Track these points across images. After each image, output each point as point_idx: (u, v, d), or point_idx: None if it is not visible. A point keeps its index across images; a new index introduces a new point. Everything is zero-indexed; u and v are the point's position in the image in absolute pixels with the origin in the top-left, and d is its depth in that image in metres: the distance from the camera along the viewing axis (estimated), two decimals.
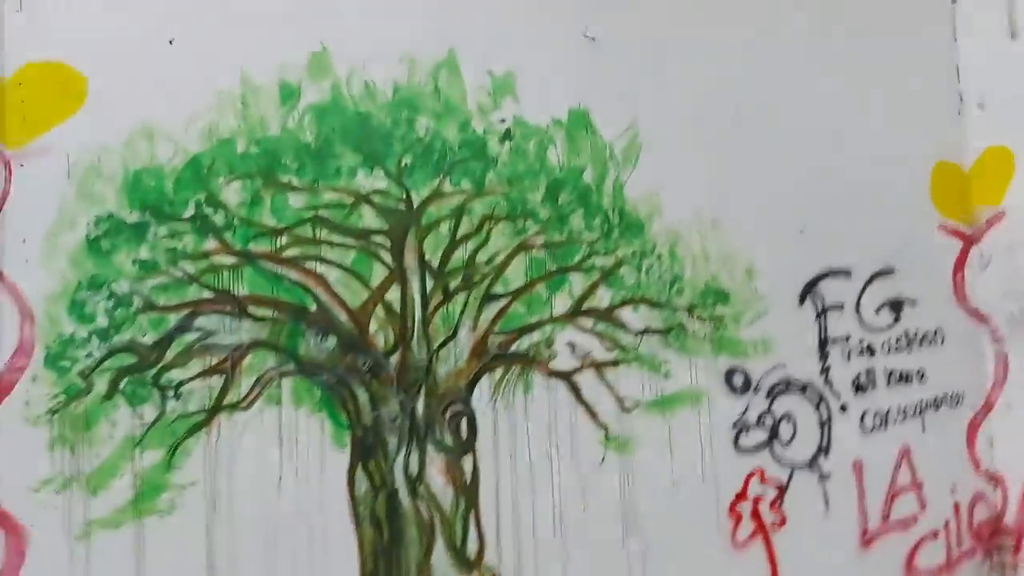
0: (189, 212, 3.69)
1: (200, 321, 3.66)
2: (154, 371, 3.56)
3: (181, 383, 3.60)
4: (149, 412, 3.54)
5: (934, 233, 5.39)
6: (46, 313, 3.40)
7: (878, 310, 5.15)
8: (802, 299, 4.97)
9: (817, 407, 4.91)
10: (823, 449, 4.89)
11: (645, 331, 4.55)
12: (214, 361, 3.67)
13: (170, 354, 3.60)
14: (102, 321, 3.50)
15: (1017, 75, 5.19)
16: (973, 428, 5.31)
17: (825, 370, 4.96)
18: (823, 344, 4.97)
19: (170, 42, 3.72)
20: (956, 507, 5.19)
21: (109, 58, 3.60)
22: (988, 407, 5.34)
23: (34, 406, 3.36)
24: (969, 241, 5.43)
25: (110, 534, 3.41)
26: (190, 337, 3.64)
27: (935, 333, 5.30)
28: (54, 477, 3.36)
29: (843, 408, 4.97)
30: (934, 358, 5.25)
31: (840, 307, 5.05)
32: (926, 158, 5.44)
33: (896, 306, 5.19)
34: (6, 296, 3.35)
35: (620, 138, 4.60)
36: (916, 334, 5.24)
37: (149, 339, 3.57)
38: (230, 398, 3.68)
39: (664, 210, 4.65)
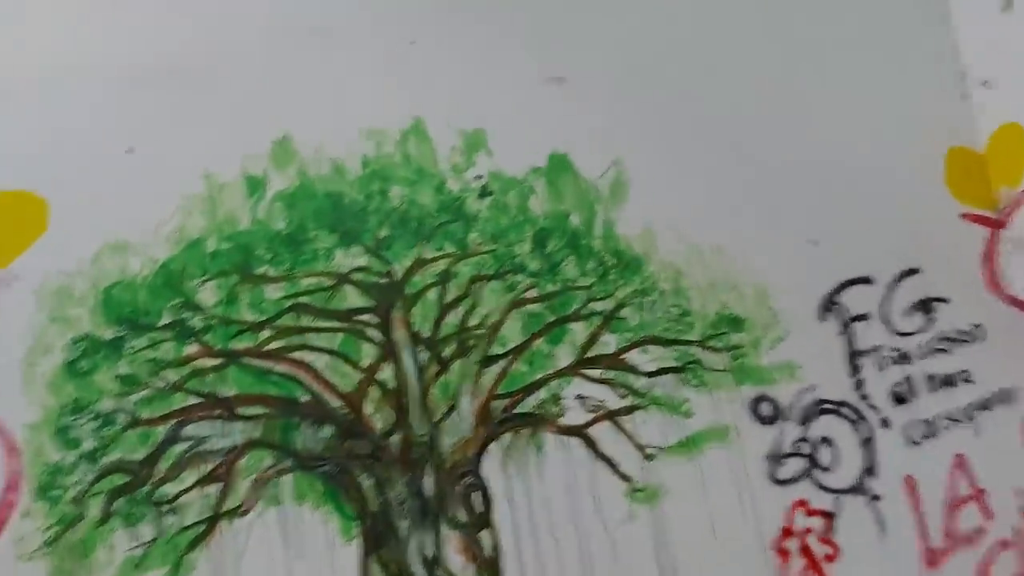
0: (166, 320, 3.63)
1: (189, 429, 3.58)
2: (147, 488, 3.48)
3: (176, 496, 3.51)
4: (147, 531, 3.45)
5: (956, 223, 5.07)
6: (30, 445, 3.35)
7: (907, 314, 4.84)
8: (823, 314, 4.71)
9: (856, 426, 4.61)
10: (869, 469, 4.58)
11: (658, 372, 4.34)
12: (208, 468, 3.58)
13: (162, 467, 3.52)
14: (89, 444, 3.44)
15: (1018, 48, 4.91)
16: None
17: (859, 385, 4.66)
18: (852, 358, 4.68)
19: (128, 151, 3.70)
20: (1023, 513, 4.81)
21: (68, 177, 3.59)
22: None
23: (28, 542, 3.29)
24: (996, 226, 5.11)
25: None
26: (180, 447, 3.56)
27: (975, 329, 4.96)
28: None
29: (884, 423, 4.66)
30: (977, 356, 4.91)
31: (866, 317, 4.76)
32: (937, 146, 5.15)
33: (927, 307, 4.88)
34: None
35: (604, 176, 4.44)
36: (953, 333, 4.91)
37: (139, 455, 3.50)
38: (229, 504, 3.57)
39: (661, 244, 4.46)
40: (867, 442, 4.59)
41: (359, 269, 3.92)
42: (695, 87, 4.66)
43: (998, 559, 4.66)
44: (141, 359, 3.54)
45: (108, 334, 3.52)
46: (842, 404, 4.59)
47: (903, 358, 4.77)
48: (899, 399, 4.69)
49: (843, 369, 4.67)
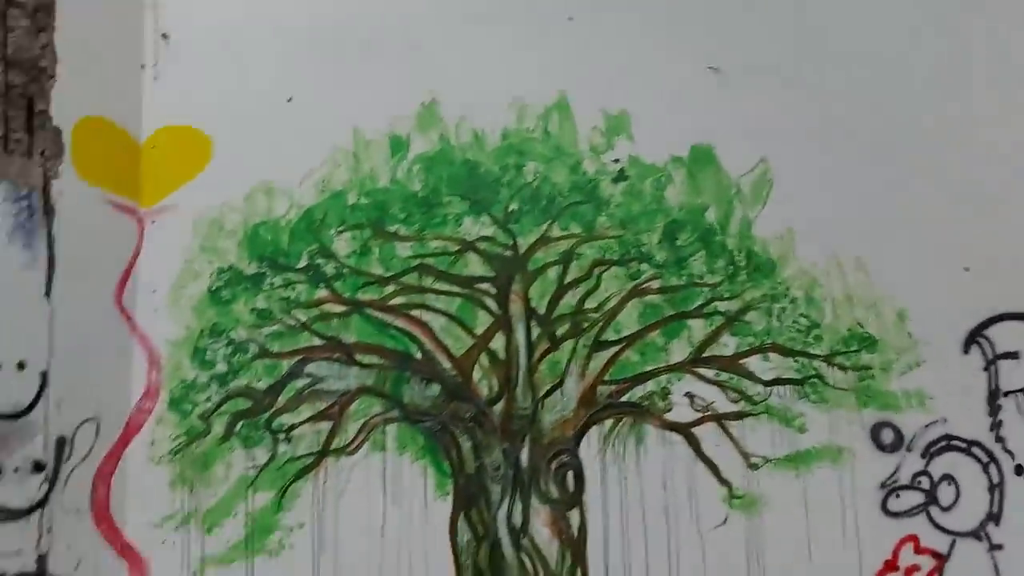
0: (302, 263, 3.88)
1: (310, 368, 3.83)
2: (267, 415, 3.76)
3: (292, 427, 3.78)
4: (261, 454, 3.73)
5: None
6: (171, 359, 3.69)
7: None
8: (967, 346, 4.41)
9: (986, 469, 4.32)
10: (993, 516, 4.28)
11: (776, 381, 4.22)
12: (323, 406, 3.82)
13: (282, 399, 3.79)
14: (221, 367, 3.75)
15: None
16: None
17: (996, 426, 4.35)
18: (993, 397, 4.37)
19: (288, 100, 3.95)
20: None
21: (232, 119, 3.89)
22: None
23: (158, 446, 3.65)
24: None
25: (222, 571, 3.61)
26: (301, 383, 3.81)
27: None
28: (174, 514, 3.62)
29: (1019, 470, 4.34)
30: None
31: (1016, 355, 4.42)
32: None
33: None
34: (137, 344, 3.67)
35: (749, 174, 4.32)
36: None
37: (263, 384, 3.78)
38: (337, 442, 3.81)
39: (799, 250, 4.31)
40: (996, 487, 4.29)
41: (485, 239, 4.03)
42: (854, 90, 4.44)
43: None
44: (276, 296, 3.81)
45: (250, 269, 3.81)
46: (974, 443, 4.31)
47: None
48: None
49: (981, 408, 4.37)
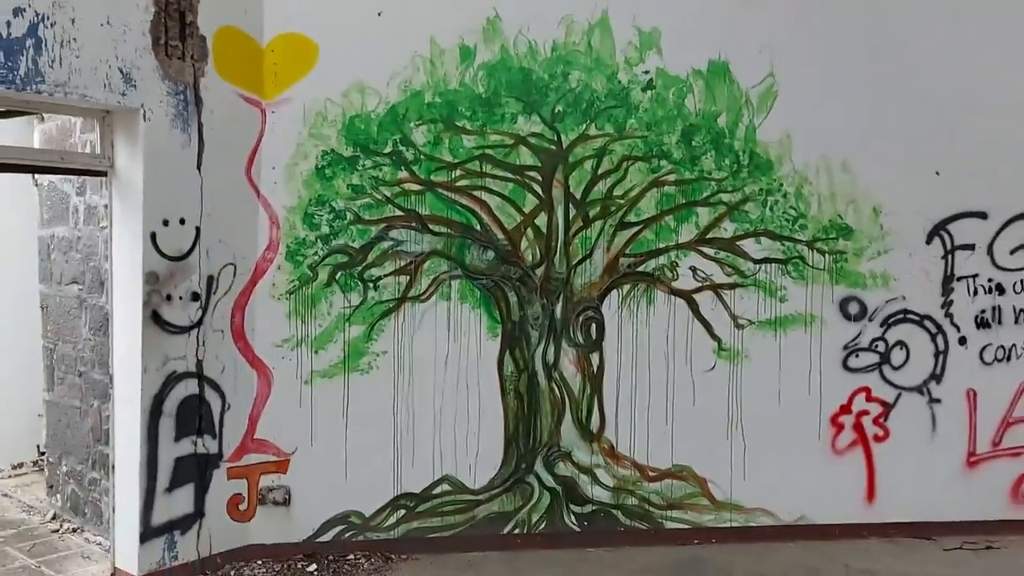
0: (388, 149, 4.84)
1: (393, 233, 4.85)
2: (360, 268, 4.82)
3: (379, 278, 4.84)
4: (355, 298, 4.82)
5: None
6: (287, 221, 4.74)
7: (1014, 251, 5.34)
8: (930, 238, 5.30)
9: (934, 338, 5.29)
10: (935, 376, 5.29)
11: (765, 260, 5.17)
12: (402, 263, 4.86)
13: (371, 256, 4.83)
14: (325, 229, 4.79)
15: None
16: None
17: (947, 304, 5.30)
18: (947, 280, 5.29)
19: (378, 15, 4.82)
20: None
21: (334, 30, 4.76)
22: None
23: (278, 287, 4.74)
24: None
25: (326, 382, 4.78)
26: (386, 244, 4.84)
27: None
28: (290, 338, 4.75)
29: (962, 341, 5.31)
30: None
31: (971, 247, 5.31)
32: None
33: None
34: (262, 208, 4.72)
35: (757, 86, 5.14)
36: None
37: (357, 244, 4.82)
38: (413, 292, 4.87)
39: (794, 153, 5.17)
40: (941, 353, 5.28)
41: (534, 135, 4.94)
42: (855, 21, 5.17)
43: None
44: (367, 175, 4.80)
45: (347, 152, 4.78)
46: (926, 317, 5.28)
47: (997, 289, 5.33)
48: (983, 323, 5.31)
49: (936, 289, 5.31)
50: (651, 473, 5.08)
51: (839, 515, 5.20)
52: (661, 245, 5.09)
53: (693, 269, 5.11)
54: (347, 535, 4.85)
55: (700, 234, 5.13)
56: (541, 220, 4.98)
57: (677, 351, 5.11)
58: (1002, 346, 5.35)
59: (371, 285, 4.83)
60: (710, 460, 5.13)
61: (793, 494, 5.17)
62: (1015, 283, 5.35)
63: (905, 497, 5.23)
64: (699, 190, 5.12)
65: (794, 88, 5.14)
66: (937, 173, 5.27)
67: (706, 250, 5.13)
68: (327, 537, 4.83)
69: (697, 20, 5.11)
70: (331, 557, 4.73)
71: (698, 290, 5.12)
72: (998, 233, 5.32)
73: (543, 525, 5.02)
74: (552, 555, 4.85)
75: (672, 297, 5.10)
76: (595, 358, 5.06)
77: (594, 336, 5.06)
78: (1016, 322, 5.36)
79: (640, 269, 5.08)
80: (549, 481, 5.02)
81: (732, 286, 5.15)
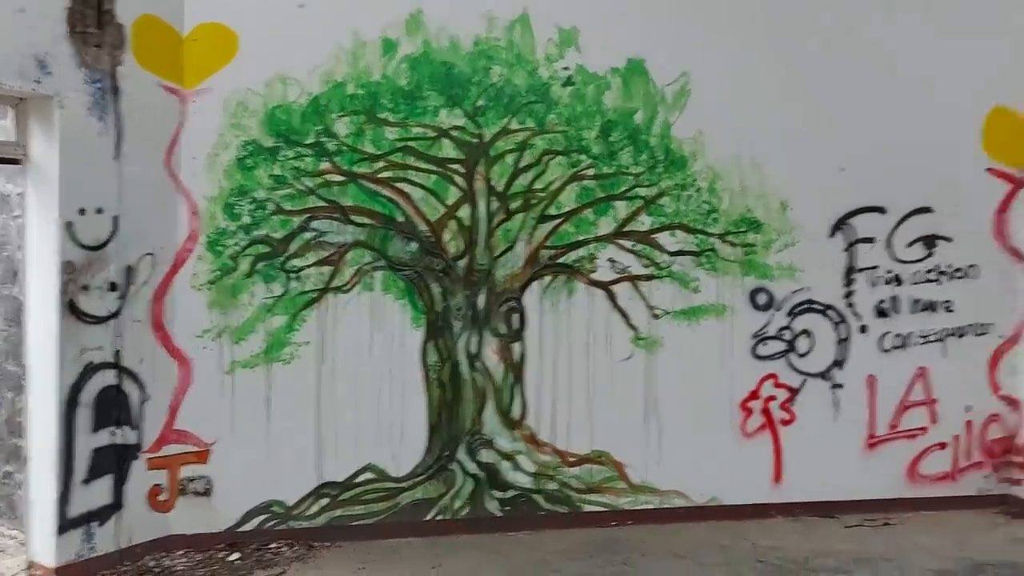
0: (310, 140, 4.86)
1: (315, 224, 4.88)
2: (282, 259, 4.84)
3: (301, 269, 4.86)
4: (277, 288, 4.84)
5: (980, 176, 5.75)
6: (207, 211, 4.73)
7: (911, 244, 5.67)
8: (833, 231, 5.58)
9: (837, 327, 5.58)
10: (838, 363, 5.58)
11: (679, 252, 5.38)
12: (325, 254, 4.90)
13: (293, 247, 4.85)
14: (246, 219, 4.79)
15: None
16: (997, 356, 5.76)
17: (849, 295, 5.59)
18: (849, 272, 5.59)
19: (300, 6, 4.84)
20: (969, 425, 5.74)
21: (255, 20, 4.77)
22: (1015, 338, 5.77)
23: (199, 277, 4.73)
24: (1018, 184, 5.77)
25: (248, 372, 4.79)
26: (308, 235, 4.87)
27: (969, 268, 5.74)
28: (211, 328, 4.74)
29: (863, 329, 5.61)
30: (964, 291, 5.72)
31: (871, 240, 5.62)
32: (984, 104, 5.76)
33: (930, 242, 5.68)
34: (182, 197, 4.70)
35: (672, 85, 5.33)
36: (948, 268, 5.71)
37: (279, 235, 4.84)
38: (336, 282, 4.91)
39: (707, 150, 5.38)
40: (843, 341, 5.57)
41: (457, 128, 5.03)
42: (765, 26, 5.42)
43: (929, 456, 5.67)
44: (289, 166, 4.82)
45: (269, 143, 4.79)
46: (829, 307, 5.56)
47: (895, 280, 5.65)
48: (881, 313, 5.62)
49: (839, 280, 5.60)
50: (571, 459, 5.24)
51: (748, 496, 5.45)
52: (581, 237, 5.25)
53: (612, 261, 5.28)
54: (269, 524, 4.87)
55: (618, 227, 5.30)
56: (464, 212, 5.08)
57: (596, 340, 5.27)
58: (899, 334, 5.67)
59: (293, 276, 4.86)
60: (627, 445, 5.31)
61: (705, 476, 5.39)
62: (911, 275, 5.68)
63: (810, 478, 5.51)
64: (617, 184, 5.29)
65: (707, 87, 5.36)
66: (842, 169, 5.56)
67: (624, 243, 5.31)
68: (249, 527, 4.84)
69: (614, 19, 5.28)
70: (253, 546, 4.75)
71: (616, 281, 5.30)
72: (896, 227, 5.65)
73: (466, 511, 5.13)
74: (474, 539, 4.96)
75: (591, 288, 5.26)
76: (517, 348, 5.19)
77: (516, 326, 5.18)
78: (912, 311, 5.69)
79: (561, 261, 5.22)
80: (472, 468, 5.12)
81: (648, 277, 5.34)
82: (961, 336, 5.75)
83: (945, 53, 5.63)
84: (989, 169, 5.76)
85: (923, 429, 5.70)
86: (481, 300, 5.12)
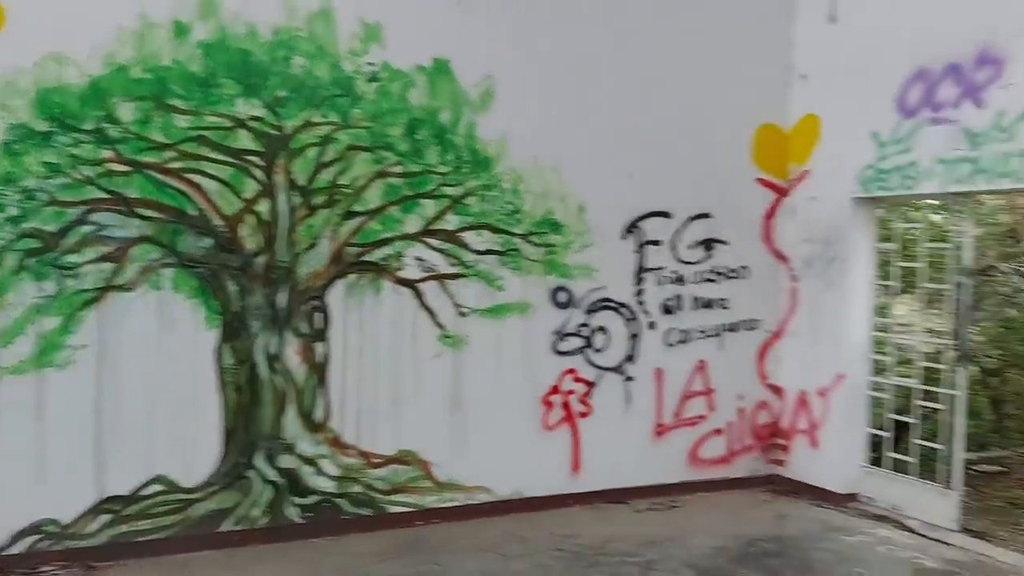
0: (90, 125, 4.45)
1: (95, 216, 4.48)
2: (55, 254, 4.40)
3: (78, 265, 4.45)
4: (50, 286, 4.39)
5: (751, 185, 6.32)
6: None
7: (692, 247, 6.12)
8: (626, 234, 5.91)
9: (628, 323, 5.91)
10: (630, 357, 5.92)
11: (485, 252, 5.46)
12: (106, 250, 4.51)
13: (69, 241, 4.43)
14: (13, 211, 4.31)
15: (832, 53, 6.05)
16: (764, 348, 6.37)
17: (639, 293, 5.94)
18: (639, 272, 5.94)
19: None
20: (741, 411, 6.29)
21: None
22: (779, 332, 6.40)
23: None
24: (781, 193, 6.39)
25: (16, 379, 4.31)
26: (86, 229, 4.46)
27: (742, 269, 6.29)
28: None
29: (651, 325, 5.99)
30: (737, 289, 6.27)
31: (658, 243, 6.01)
32: (754, 120, 6.33)
33: (709, 245, 6.16)
34: None
35: (477, 86, 5.40)
36: (724, 269, 6.23)
37: (52, 228, 4.39)
38: (118, 280, 4.54)
39: (511, 152, 5.50)
40: (634, 337, 5.90)
41: (255, 118, 4.81)
42: (568, 36, 5.63)
43: (707, 442, 6.14)
44: (65, 153, 4.38)
45: (41, 127, 4.34)
46: (623, 304, 5.87)
47: (679, 280, 6.06)
48: (667, 310, 6.01)
49: (630, 279, 5.93)
50: (376, 460, 5.18)
51: (549, 487, 5.65)
52: (387, 235, 5.19)
53: (419, 259, 5.27)
54: (42, 545, 4.42)
55: (425, 225, 5.30)
56: (263, 207, 4.87)
57: (403, 339, 5.25)
58: (682, 330, 6.10)
59: (69, 273, 4.43)
60: (434, 444, 5.33)
61: (509, 471, 5.52)
62: (693, 274, 6.13)
63: (604, 467, 5.81)
64: (424, 183, 5.28)
65: (511, 90, 5.48)
66: (631, 176, 5.89)
67: (431, 241, 5.32)
68: (18, 549, 4.36)
69: (419, 18, 5.27)
70: (23, 570, 4.29)
71: (423, 280, 5.29)
72: (679, 231, 6.07)
73: (265, 520, 4.92)
74: (274, 549, 4.78)
75: (398, 286, 5.22)
76: (321, 348, 5.05)
77: (320, 326, 5.04)
78: (693, 308, 6.14)
79: (367, 259, 5.14)
80: (271, 474, 4.93)
81: (455, 276, 5.38)
82: (734, 331, 6.30)
83: (719, 73, 6.13)
84: (758, 179, 6.34)
85: (702, 417, 6.18)
86: (282, 299, 4.94)
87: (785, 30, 6.38)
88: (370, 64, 5.10)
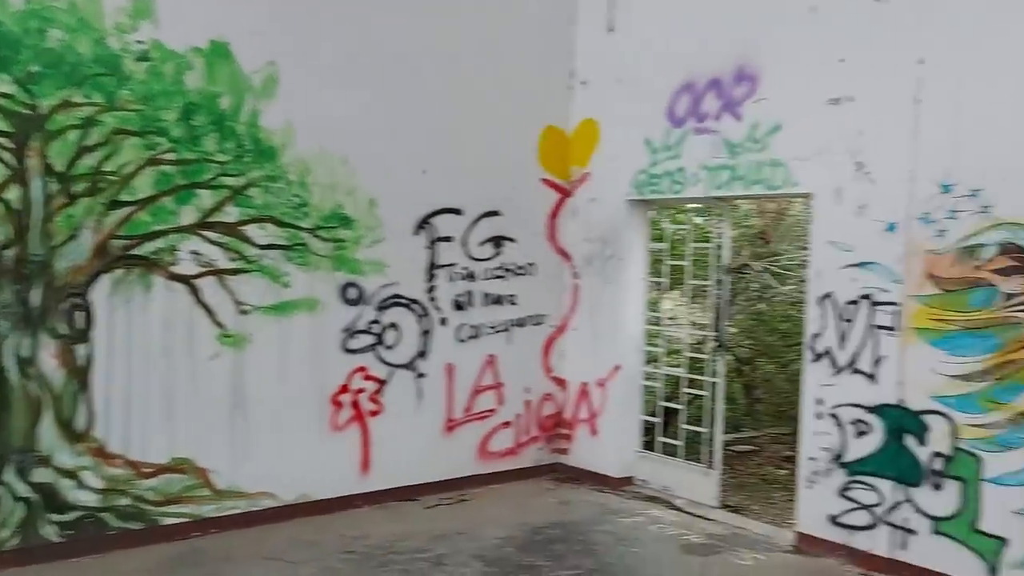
0: None
1: None
2: None
3: None
4: None
5: (537, 185, 6.53)
6: None
7: (483, 244, 6.22)
8: (418, 230, 5.90)
9: (420, 320, 5.91)
10: (421, 354, 5.92)
11: (269, 246, 5.23)
12: None
13: None
14: None
15: (610, 62, 6.39)
16: (550, 343, 6.62)
17: (431, 290, 5.96)
18: (431, 268, 5.95)
19: None
20: (528, 404, 6.50)
21: None
22: (563, 327, 6.67)
23: None
24: (564, 194, 6.66)
25: None
26: None
27: (529, 266, 6.49)
28: None
29: (443, 321, 6.02)
30: (525, 286, 6.46)
31: (450, 239, 6.05)
32: (539, 123, 6.54)
33: (498, 242, 6.29)
34: None
35: (259, 72, 5.15)
36: (513, 266, 6.39)
37: None
38: None
39: (298, 142, 5.31)
40: (426, 333, 5.90)
41: (4, 95, 4.29)
42: (361, 29, 5.52)
43: (497, 434, 6.28)
44: None
45: None
46: (414, 301, 5.85)
47: (470, 276, 6.14)
48: (459, 306, 6.07)
49: (422, 275, 5.92)
50: (146, 470, 4.81)
51: (337, 489, 5.53)
52: (159, 227, 4.83)
53: (195, 253, 4.95)
54: None
55: (202, 217, 4.98)
56: (13, 194, 4.36)
57: (178, 339, 4.91)
58: (473, 325, 6.20)
59: None
60: (212, 450, 5.04)
61: (295, 474, 5.34)
62: (483, 271, 6.24)
63: (395, 465, 5.77)
64: (200, 172, 4.97)
65: (297, 78, 5.28)
66: (424, 171, 5.89)
67: (209, 234, 5.01)
68: None
69: None
70: None
71: (200, 275, 4.98)
72: (470, 228, 6.16)
73: (16, 541, 4.42)
74: (28, 571, 4.30)
75: (172, 283, 4.87)
76: (82, 350, 4.60)
77: (81, 326, 4.59)
78: (484, 304, 6.26)
79: (136, 252, 4.75)
80: (22, 490, 4.43)
81: (236, 271, 5.11)
82: (522, 326, 6.49)
83: (508, 74, 6.29)
84: (543, 180, 6.57)
85: (492, 411, 6.32)
86: (36, 296, 4.45)
87: (567, 37, 6.65)
88: (139, 42, 4.71)
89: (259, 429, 5.19)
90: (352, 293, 5.60)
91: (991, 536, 4.33)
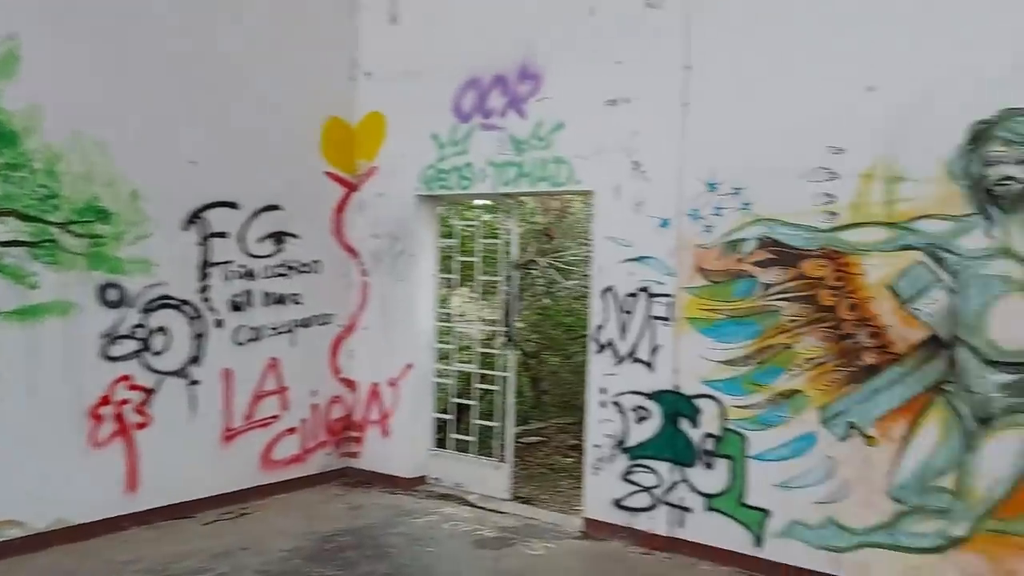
0: None
1: None
2: None
3: None
4: None
5: (322, 179, 6.27)
6: None
7: (262, 240, 5.87)
8: (188, 225, 5.45)
9: (192, 322, 5.47)
10: (195, 359, 5.48)
11: (11, 243, 4.60)
12: None
13: None
14: None
15: (395, 54, 6.27)
16: (337, 343, 6.39)
17: (204, 289, 5.53)
18: (204, 266, 5.53)
19: None
20: (315, 407, 6.23)
21: None
22: (352, 326, 6.46)
23: None
24: (350, 188, 6.45)
25: None
26: None
27: (314, 263, 6.22)
28: None
29: (219, 323, 5.62)
30: (310, 284, 6.18)
31: (225, 235, 5.65)
32: (321, 114, 6.28)
33: (279, 238, 5.97)
34: None
35: None
36: (296, 263, 6.09)
37: None
38: None
39: (46, 126, 4.71)
40: (199, 336, 5.48)
41: None
42: (128, 8, 5.02)
43: (281, 442, 5.97)
44: None
45: None
46: (185, 302, 5.41)
47: (248, 275, 5.78)
48: (236, 307, 5.69)
49: (194, 274, 5.49)
50: None
51: (100, 511, 4.99)
52: None
53: None
54: None
55: None
56: None
57: None
58: (253, 327, 5.84)
59: None
60: None
61: (48, 498, 4.76)
62: (263, 269, 5.90)
63: (167, 481, 5.31)
64: None
65: (44, 56, 4.70)
66: (193, 162, 5.46)
67: None
68: None
69: None
70: None
71: None
72: (248, 223, 5.79)
73: None
74: None
75: None
76: None
77: None
78: (265, 304, 5.91)
79: None
80: None
81: None
82: (307, 326, 6.21)
83: (288, 62, 5.99)
84: (327, 173, 6.33)
85: (275, 417, 5.99)
86: None
87: (349, 26, 6.45)
88: None
89: (4, 450, 4.56)
90: (113, 295, 5.07)
91: (755, 508, 4.69)
